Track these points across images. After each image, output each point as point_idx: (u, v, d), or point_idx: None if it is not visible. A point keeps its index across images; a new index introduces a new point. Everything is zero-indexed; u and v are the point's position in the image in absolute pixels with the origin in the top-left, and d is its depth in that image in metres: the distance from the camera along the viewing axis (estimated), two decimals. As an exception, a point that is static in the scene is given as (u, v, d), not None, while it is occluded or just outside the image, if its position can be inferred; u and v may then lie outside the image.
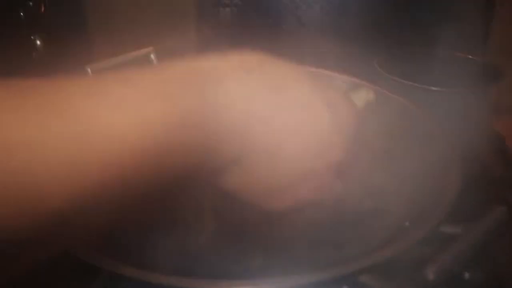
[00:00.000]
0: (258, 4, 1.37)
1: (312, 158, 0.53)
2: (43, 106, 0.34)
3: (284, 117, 0.49)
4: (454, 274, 0.78)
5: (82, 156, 0.34)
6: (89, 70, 0.95)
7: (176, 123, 0.40)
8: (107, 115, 0.37)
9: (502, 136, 1.16)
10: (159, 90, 0.41)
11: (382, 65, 1.13)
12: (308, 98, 0.52)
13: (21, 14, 1.10)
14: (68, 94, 0.37)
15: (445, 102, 1.04)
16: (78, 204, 0.34)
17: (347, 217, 0.75)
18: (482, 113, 1.10)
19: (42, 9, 1.13)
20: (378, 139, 0.89)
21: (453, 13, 1.27)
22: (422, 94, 1.04)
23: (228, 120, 0.44)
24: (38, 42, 1.10)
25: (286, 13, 1.34)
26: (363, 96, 0.79)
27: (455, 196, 0.63)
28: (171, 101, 0.40)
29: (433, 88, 1.04)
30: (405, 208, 0.75)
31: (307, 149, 0.52)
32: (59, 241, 0.37)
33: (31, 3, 1.11)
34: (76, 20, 1.23)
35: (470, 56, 1.22)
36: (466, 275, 0.79)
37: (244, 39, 1.37)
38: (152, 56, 1.03)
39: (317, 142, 0.52)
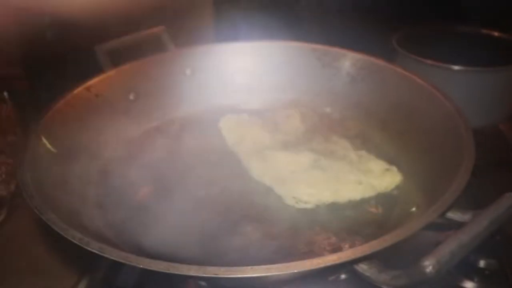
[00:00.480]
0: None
1: None
2: None
3: None
4: (469, 262, 0.77)
5: None
6: (99, 49, 0.94)
7: None
8: None
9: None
10: None
11: (400, 43, 1.08)
12: None
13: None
14: None
15: (467, 82, 1.00)
16: None
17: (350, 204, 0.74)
18: (507, 94, 1.05)
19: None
20: (393, 119, 0.87)
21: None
22: (442, 74, 0.99)
23: None
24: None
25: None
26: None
27: (465, 182, 0.60)
28: None
29: (455, 67, 0.99)
30: (413, 193, 0.72)
31: None
32: None
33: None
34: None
35: (496, 33, 1.15)
36: (481, 262, 0.77)
37: (260, 18, 1.34)
38: (164, 35, 1.01)
39: None
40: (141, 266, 0.49)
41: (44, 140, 0.73)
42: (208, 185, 0.78)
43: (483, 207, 0.56)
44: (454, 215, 0.58)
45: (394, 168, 0.78)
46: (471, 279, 0.74)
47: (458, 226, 0.65)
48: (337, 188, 0.74)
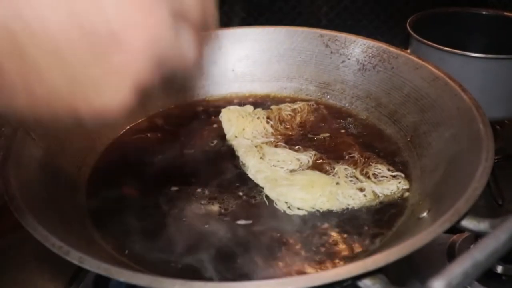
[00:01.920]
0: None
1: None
2: None
3: None
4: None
5: None
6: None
7: None
8: None
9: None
10: None
11: (415, 27, 1.01)
12: None
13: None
14: None
15: (486, 70, 0.93)
16: None
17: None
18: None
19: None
20: (404, 111, 0.81)
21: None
22: (459, 61, 0.93)
23: None
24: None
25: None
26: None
27: (482, 187, 0.54)
28: None
29: (473, 55, 0.92)
30: (422, 197, 0.67)
31: None
32: None
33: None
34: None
35: (519, 17, 1.08)
36: (499, 268, 0.72)
37: (266, 9, 1.29)
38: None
39: None
40: (122, 280, 0.46)
41: (33, 136, 0.68)
42: (202, 181, 0.74)
43: (502, 211, 0.51)
44: (469, 224, 0.53)
45: (401, 175, 0.73)
46: (487, 285, 0.70)
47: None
48: (335, 193, 0.69)
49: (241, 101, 0.93)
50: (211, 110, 0.92)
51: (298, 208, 0.68)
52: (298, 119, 0.87)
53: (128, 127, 0.87)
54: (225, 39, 0.97)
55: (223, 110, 0.88)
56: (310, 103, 0.91)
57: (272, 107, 0.91)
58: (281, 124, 0.86)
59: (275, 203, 0.70)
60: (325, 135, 0.83)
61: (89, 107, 0.38)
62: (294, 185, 0.70)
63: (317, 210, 0.68)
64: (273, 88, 0.97)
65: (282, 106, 0.90)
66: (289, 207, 0.68)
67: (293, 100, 0.93)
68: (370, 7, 1.22)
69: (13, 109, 0.37)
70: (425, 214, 0.61)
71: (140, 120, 0.89)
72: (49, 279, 0.76)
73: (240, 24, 1.31)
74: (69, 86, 0.36)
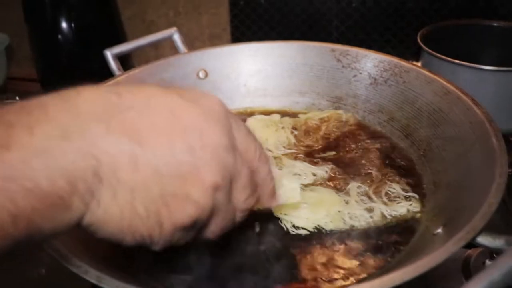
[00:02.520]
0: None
1: None
2: None
3: None
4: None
5: None
6: (108, 53, 0.91)
7: None
8: None
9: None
10: None
11: (426, 40, 1.02)
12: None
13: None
14: None
15: (499, 84, 0.93)
16: None
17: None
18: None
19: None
20: (416, 126, 0.81)
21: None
22: (471, 74, 0.93)
23: None
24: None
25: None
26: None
27: (497, 202, 0.54)
28: None
29: (485, 68, 0.92)
30: (436, 212, 0.67)
31: None
32: None
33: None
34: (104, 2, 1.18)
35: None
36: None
37: (277, 23, 1.30)
38: (176, 36, 0.98)
39: None
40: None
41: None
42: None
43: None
44: (485, 240, 0.52)
45: (415, 196, 0.71)
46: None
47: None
48: (341, 214, 0.68)
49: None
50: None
51: (302, 228, 0.67)
52: (323, 129, 0.87)
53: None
54: (238, 53, 0.97)
55: (249, 119, 0.89)
56: (338, 112, 0.91)
57: (300, 115, 0.91)
58: (305, 134, 0.86)
59: (280, 221, 0.69)
60: (347, 148, 0.83)
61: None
62: (302, 203, 0.69)
63: (323, 229, 0.67)
64: (285, 103, 0.97)
65: (310, 114, 0.90)
66: (293, 226, 0.67)
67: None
68: (380, 21, 1.22)
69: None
70: (439, 230, 0.61)
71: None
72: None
73: (251, 39, 1.32)
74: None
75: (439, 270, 0.73)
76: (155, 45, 0.94)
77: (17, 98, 1.07)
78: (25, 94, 1.10)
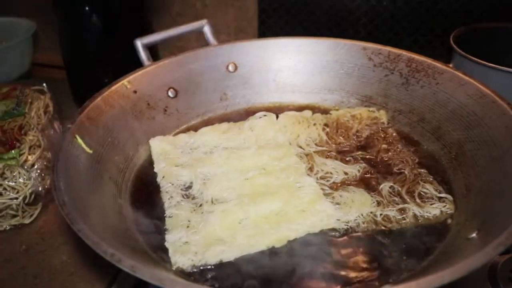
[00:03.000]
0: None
1: None
2: None
3: None
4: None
5: None
6: (139, 43, 0.91)
7: None
8: None
9: None
10: None
11: (458, 42, 1.00)
12: None
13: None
14: None
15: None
16: None
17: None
18: None
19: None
20: (448, 128, 0.80)
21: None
22: (503, 77, 0.91)
23: None
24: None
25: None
26: None
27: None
28: None
29: (518, 71, 0.91)
30: (470, 216, 0.66)
31: None
32: None
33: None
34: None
35: None
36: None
37: (305, 18, 1.29)
38: (206, 28, 0.97)
39: None
40: (176, 291, 0.46)
41: (79, 140, 0.70)
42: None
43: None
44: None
45: (449, 198, 0.70)
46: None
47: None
48: (373, 215, 0.68)
49: (281, 112, 0.91)
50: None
51: (334, 229, 0.66)
52: (356, 126, 0.86)
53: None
54: (267, 48, 0.97)
55: (280, 116, 0.88)
56: (370, 109, 0.90)
57: (332, 112, 0.90)
58: (337, 132, 0.85)
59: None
60: (379, 147, 0.82)
61: None
62: (333, 203, 0.69)
63: (354, 230, 0.66)
64: (314, 99, 0.96)
65: (342, 111, 0.90)
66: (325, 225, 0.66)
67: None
68: (409, 21, 1.21)
69: None
70: (474, 235, 0.60)
71: (181, 129, 0.90)
72: (89, 281, 0.77)
73: (277, 33, 1.31)
74: None
75: (465, 276, 0.72)
76: (181, 36, 0.94)
77: (44, 85, 1.07)
78: (51, 81, 1.11)
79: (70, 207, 0.56)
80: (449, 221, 0.68)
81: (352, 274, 0.60)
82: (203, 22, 0.97)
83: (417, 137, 0.85)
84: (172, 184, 0.74)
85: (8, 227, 0.86)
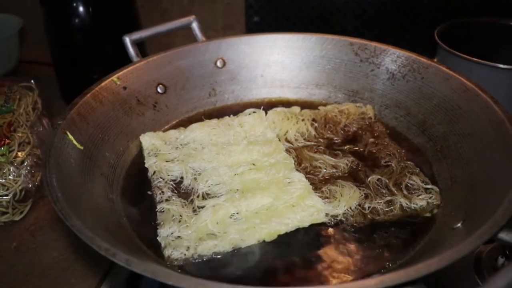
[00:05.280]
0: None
1: None
2: None
3: None
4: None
5: None
6: (127, 39, 0.91)
7: None
8: None
9: None
10: None
11: (443, 37, 1.02)
12: None
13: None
14: None
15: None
16: None
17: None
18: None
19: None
20: (434, 121, 0.82)
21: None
22: (487, 72, 0.93)
23: None
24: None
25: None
26: None
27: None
28: None
29: (501, 66, 0.93)
30: (455, 206, 0.67)
31: None
32: None
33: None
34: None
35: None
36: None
37: (293, 15, 1.30)
38: (194, 25, 0.98)
39: None
40: (170, 283, 0.47)
41: (70, 137, 0.70)
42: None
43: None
44: (506, 236, 0.53)
45: (435, 189, 0.72)
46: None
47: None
48: (361, 207, 0.69)
49: (269, 107, 0.92)
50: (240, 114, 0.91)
51: (323, 223, 0.67)
52: (343, 121, 0.87)
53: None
54: (255, 44, 0.98)
55: (269, 112, 0.89)
56: (358, 105, 0.91)
57: (320, 107, 0.91)
58: (325, 126, 0.86)
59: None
60: (367, 141, 0.83)
61: None
62: (322, 198, 0.69)
63: (343, 223, 0.68)
64: (302, 95, 0.98)
65: (330, 107, 0.91)
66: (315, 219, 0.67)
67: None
68: (395, 17, 1.22)
69: None
70: (459, 224, 0.61)
71: (170, 124, 0.91)
72: (81, 277, 0.77)
73: (265, 30, 1.32)
74: None
75: (451, 265, 0.74)
76: (169, 32, 0.94)
77: (32, 81, 1.07)
78: (37, 77, 1.10)
79: (64, 202, 0.56)
80: (435, 211, 0.69)
81: (341, 266, 0.62)
82: (191, 18, 0.97)
83: (403, 130, 0.86)
84: (163, 179, 0.74)
85: (-2, 225, 0.86)
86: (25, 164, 0.88)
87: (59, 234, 0.85)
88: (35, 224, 0.87)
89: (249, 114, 0.88)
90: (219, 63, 0.96)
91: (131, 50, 0.91)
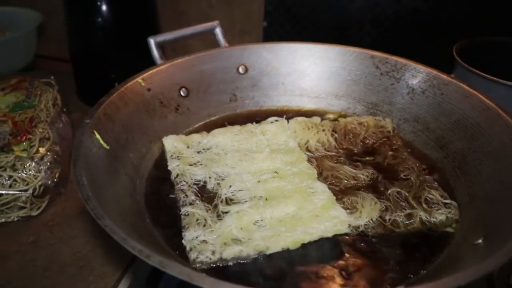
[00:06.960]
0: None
1: None
2: None
3: None
4: None
5: None
6: (152, 41, 0.92)
7: None
8: None
9: None
10: None
11: (461, 53, 1.03)
12: None
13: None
14: None
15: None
16: None
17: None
18: None
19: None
20: (452, 138, 0.83)
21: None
22: (505, 91, 0.94)
23: None
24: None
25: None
26: None
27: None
28: None
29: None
30: (476, 223, 0.68)
31: None
32: None
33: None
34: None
35: None
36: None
37: (311, 24, 1.31)
38: (217, 30, 0.99)
39: None
40: (206, 287, 0.47)
41: (97, 136, 0.71)
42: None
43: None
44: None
45: (454, 204, 0.73)
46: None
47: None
48: (382, 219, 0.70)
49: (289, 115, 0.94)
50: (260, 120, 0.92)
51: (346, 233, 0.68)
52: (363, 133, 0.88)
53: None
54: (277, 52, 0.99)
55: (291, 121, 0.90)
56: (377, 118, 0.92)
57: (340, 119, 0.92)
58: (345, 137, 0.87)
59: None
60: (386, 154, 0.84)
61: None
62: (344, 208, 0.70)
63: (364, 234, 0.69)
64: (321, 104, 0.99)
65: (349, 119, 0.91)
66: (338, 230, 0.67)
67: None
68: (413, 30, 1.23)
69: None
70: (480, 241, 0.62)
71: (192, 128, 0.92)
72: (99, 275, 0.78)
73: (283, 38, 1.33)
74: None
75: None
76: (191, 36, 0.95)
77: (52, 77, 1.07)
78: (57, 74, 1.11)
79: (95, 202, 0.57)
80: (453, 225, 0.71)
81: (365, 276, 0.62)
82: (215, 23, 0.98)
83: (421, 145, 0.87)
84: (186, 183, 0.75)
85: (15, 219, 0.86)
86: (44, 160, 0.89)
87: (77, 231, 0.86)
88: (52, 220, 0.88)
89: (272, 122, 0.89)
90: (241, 69, 0.97)
91: (155, 52, 0.92)
